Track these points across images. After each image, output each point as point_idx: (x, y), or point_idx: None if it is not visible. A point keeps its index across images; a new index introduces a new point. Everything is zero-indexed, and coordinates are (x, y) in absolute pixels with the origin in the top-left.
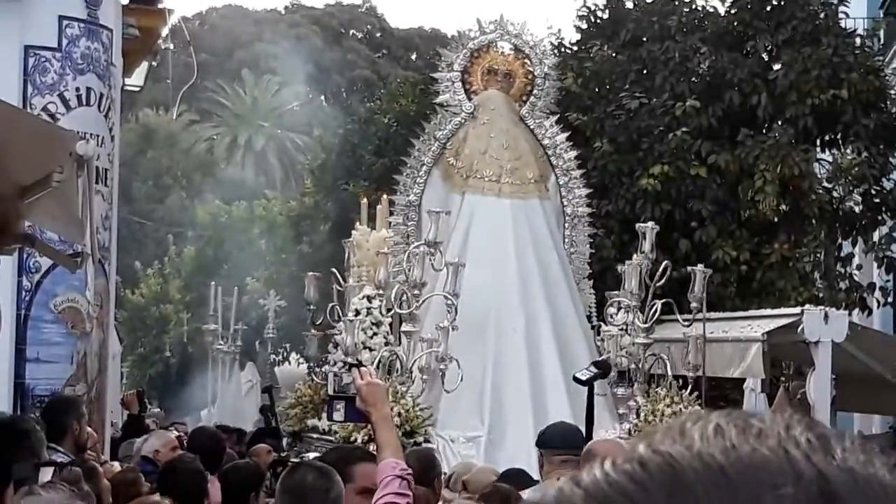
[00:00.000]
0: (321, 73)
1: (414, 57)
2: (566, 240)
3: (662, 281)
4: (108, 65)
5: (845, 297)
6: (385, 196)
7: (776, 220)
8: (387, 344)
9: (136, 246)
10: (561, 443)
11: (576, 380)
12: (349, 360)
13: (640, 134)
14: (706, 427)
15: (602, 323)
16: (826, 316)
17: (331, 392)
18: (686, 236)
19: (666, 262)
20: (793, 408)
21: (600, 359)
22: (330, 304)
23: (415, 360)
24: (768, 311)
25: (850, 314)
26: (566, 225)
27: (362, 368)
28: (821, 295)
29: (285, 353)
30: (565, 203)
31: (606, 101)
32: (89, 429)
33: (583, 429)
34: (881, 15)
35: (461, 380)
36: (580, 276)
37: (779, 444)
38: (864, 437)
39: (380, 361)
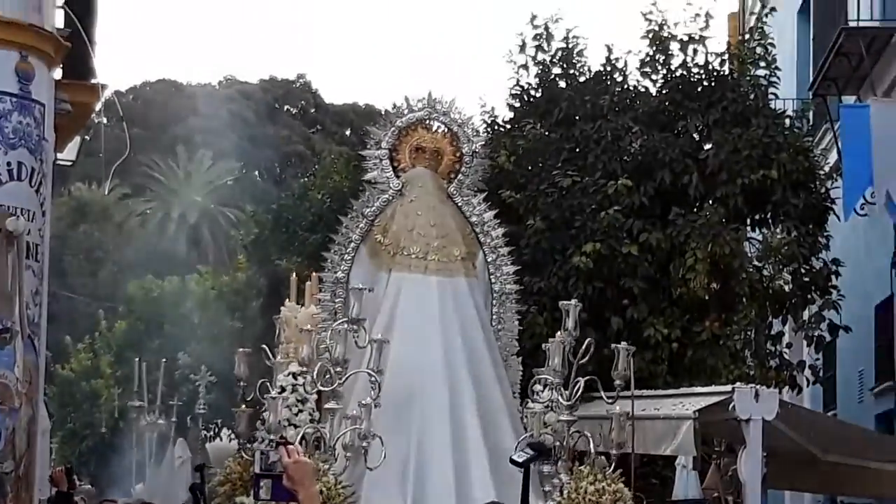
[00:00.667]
0: (255, 147)
1: (348, 132)
2: (494, 317)
3: (586, 358)
4: (40, 139)
5: (776, 376)
6: (314, 273)
7: (707, 297)
8: (312, 421)
9: (66, 320)
10: None
11: (512, 462)
12: (274, 437)
13: (572, 212)
14: None
15: (528, 400)
16: (757, 394)
17: (257, 470)
18: (618, 314)
19: (589, 339)
20: (724, 485)
21: (535, 441)
22: (260, 381)
23: (338, 438)
24: (699, 389)
25: (780, 392)
26: (494, 302)
27: (289, 447)
28: (752, 373)
29: (216, 429)
30: (493, 280)
31: (539, 178)
32: None
33: None
34: (810, 96)
35: (384, 457)
36: (508, 352)
37: None
38: None
39: (303, 438)
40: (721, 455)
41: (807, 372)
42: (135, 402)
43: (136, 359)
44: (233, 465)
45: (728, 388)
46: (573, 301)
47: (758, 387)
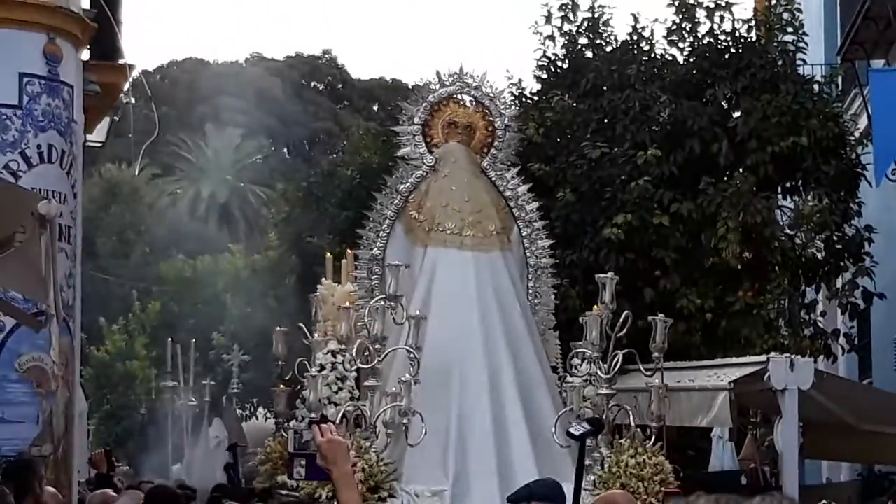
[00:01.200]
0: (283, 125)
1: (376, 108)
2: (530, 291)
3: (623, 331)
4: (70, 121)
5: (810, 345)
6: (350, 250)
7: (739, 267)
8: (352, 399)
9: (100, 302)
10: (557, 497)
11: (570, 435)
12: (314, 415)
13: (602, 183)
14: None
15: (567, 374)
16: (792, 364)
17: (291, 449)
18: (650, 285)
19: (627, 312)
20: (760, 456)
21: (593, 416)
22: (298, 359)
23: (378, 415)
24: (734, 360)
25: (815, 361)
26: (530, 276)
27: (322, 426)
28: (786, 342)
29: (252, 408)
30: (528, 254)
31: (568, 150)
32: (51, 489)
33: (566, 484)
34: (838, 61)
35: (425, 433)
36: (545, 327)
37: None
38: (832, 485)
39: (345, 416)
40: (757, 426)
41: (841, 340)
42: (168, 382)
43: (169, 339)
44: (273, 444)
45: (763, 358)
46: (609, 274)
47: (793, 356)
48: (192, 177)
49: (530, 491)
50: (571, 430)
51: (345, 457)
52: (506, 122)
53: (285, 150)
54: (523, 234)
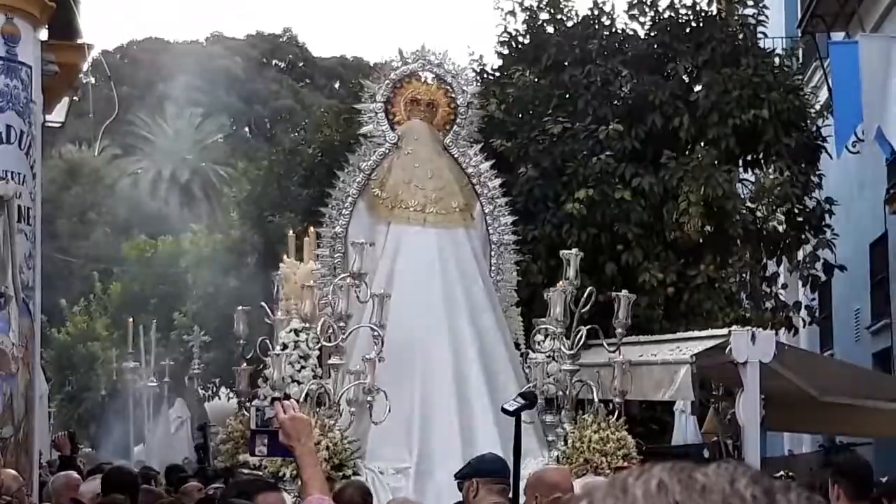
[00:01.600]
0: (244, 103)
1: (337, 86)
2: (493, 268)
3: (587, 307)
4: (28, 102)
5: (772, 317)
6: (311, 228)
7: (701, 241)
8: (315, 377)
9: (61, 283)
10: (497, 471)
11: (503, 410)
12: (277, 394)
13: (564, 158)
14: (649, 483)
15: (530, 350)
16: (753, 336)
17: (253, 427)
18: (612, 259)
19: (590, 287)
20: (723, 429)
21: (526, 389)
22: (260, 338)
23: (342, 393)
24: (696, 333)
25: (777, 334)
26: (492, 253)
27: (285, 402)
28: (748, 315)
29: (214, 388)
30: (491, 231)
31: (530, 126)
32: (11, 471)
33: (509, 458)
34: (799, 34)
35: (389, 411)
36: (507, 303)
37: (723, 499)
38: (794, 457)
39: (307, 395)
40: (719, 399)
41: (803, 312)
42: (129, 363)
43: (130, 319)
44: (234, 423)
45: (724, 331)
46: (574, 250)
47: (754, 329)
48: (153, 157)
49: (473, 467)
50: (506, 406)
51: (308, 434)
52: (468, 99)
53: (246, 128)
54: (486, 211)
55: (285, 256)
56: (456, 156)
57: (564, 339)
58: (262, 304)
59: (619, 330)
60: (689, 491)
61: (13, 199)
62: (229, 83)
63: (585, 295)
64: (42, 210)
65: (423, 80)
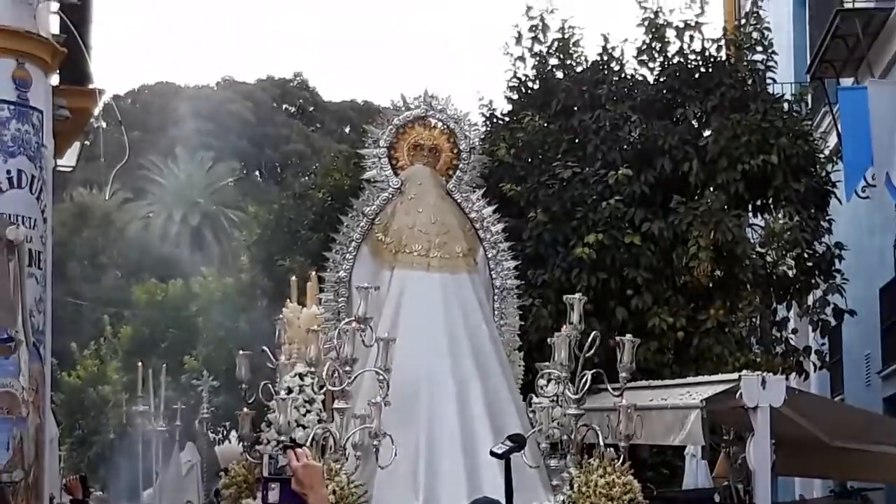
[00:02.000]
0: (255, 147)
1: (347, 130)
2: (496, 312)
3: (592, 351)
4: (39, 146)
5: (782, 362)
6: (314, 273)
7: (711, 285)
8: (320, 421)
9: (71, 327)
10: None
11: (492, 454)
12: (283, 439)
13: (573, 203)
14: None
15: (533, 395)
16: (764, 381)
17: (266, 474)
18: (622, 304)
19: (595, 332)
20: (734, 473)
21: (514, 434)
22: (262, 382)
23: (348, 437)
24: (706, 378)
25: (787, 378)
26: (495, 298)
27: (297, 450)
28: (758, 360)
29: (225, 432)
30: (494, 276)
31: (539, 170)
32: None
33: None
34: (808, 79)
35: (395, 455)
36: (510, 348)
37: None
38: (805, 502)
39: (313, 439)
40: (730, 443)
41: (813, 357)
42: (140, 406)
43: (139, 363)
44: (237, 468)
45: (735, 375)
46: (577, 295)
47: (764, 374)
48: (164, 200)
49: None
50: (495, 448)
51: (320, 481)
52: (471, 144)
53: (257, 173)
54: (489, 256)
55: (288, 301)
56: (459, 201)
57: (569, 383)
58: (264, 348)
59: (623, 374)
60: None
61: (24, 243)
62: (240, 127)
63: (590, 339)
64: (53, 253)
65: (427, 125)
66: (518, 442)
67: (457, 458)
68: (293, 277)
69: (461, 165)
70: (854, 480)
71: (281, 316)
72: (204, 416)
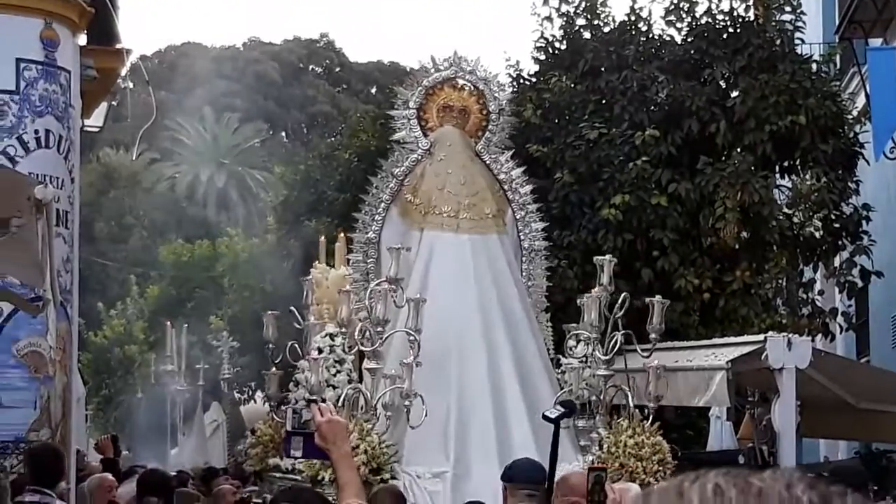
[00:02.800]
0: (281, 108)
1: (374, 91)
2: (524, 273)
3: (621, 312)
4: (67, 106)
5: (808, 323)
6: (343, 234)
7: (737, 247)
8: (350, 381)
9: (98, 287)
10: (525, 478)
11: (544, 417)
12: (313, 398)
13: (600, 164)
14: (705, 487)
15: (561, 356)
16: (789, 343)
17: (289, 428)
18: (648, 265)
19: (625, 293)
20: (758, 435)
21: (563, 397)
22: (289, 342)
23: (379, 398)
24: (732, 339)
25: (813, 340)
26: (524, 259)
27: (321, 405)
28: (784, 321)
29: (250, 392)
30: (522, 237)
31: (566, 131)
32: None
33: (546, 464)
34: (836, 40)
35: (426, 415)
36: (538, 309)
37: None
38: (830, 463)
39: (344, 399)
40: (755, 405)
41: (839, 319)
42: (167, 366)
43: (167, 323)
44: (264, 427)
45: (760, 337)
46: (607, 256)
47: (790, 335)
48: (191, 161)
49: (506, 472)
50: (547, 413)
51: (344, 437)
52: (500, 105)
53: (283, 133)
54: (517, 217)
55: (316, 262)
56: (488, 162)
57: (599, 344)
58: (292, 308)
59: (652, 335)
60: (746, 495)
61: (52, 202)
62: (266, 88)
63: (620, 300)
64: (80, 214)
65: (456, 86)
66: (569, 407)
67: (487, 417)
68: (322, 238)
69: (490, 127)
70: (879, 442)
71: (309, 277)
72: (225, 376)
